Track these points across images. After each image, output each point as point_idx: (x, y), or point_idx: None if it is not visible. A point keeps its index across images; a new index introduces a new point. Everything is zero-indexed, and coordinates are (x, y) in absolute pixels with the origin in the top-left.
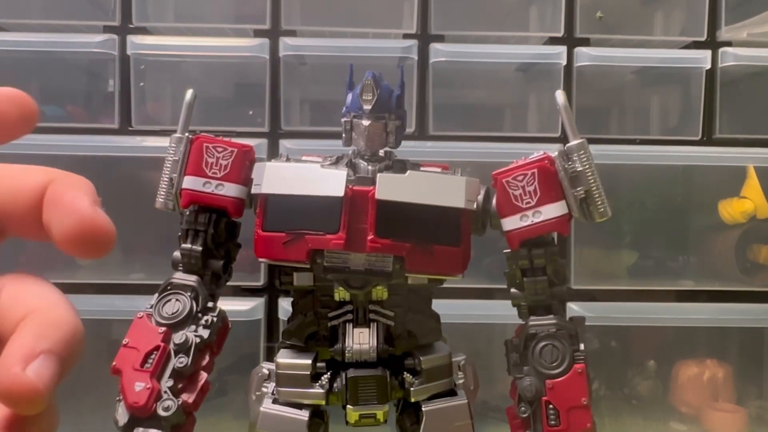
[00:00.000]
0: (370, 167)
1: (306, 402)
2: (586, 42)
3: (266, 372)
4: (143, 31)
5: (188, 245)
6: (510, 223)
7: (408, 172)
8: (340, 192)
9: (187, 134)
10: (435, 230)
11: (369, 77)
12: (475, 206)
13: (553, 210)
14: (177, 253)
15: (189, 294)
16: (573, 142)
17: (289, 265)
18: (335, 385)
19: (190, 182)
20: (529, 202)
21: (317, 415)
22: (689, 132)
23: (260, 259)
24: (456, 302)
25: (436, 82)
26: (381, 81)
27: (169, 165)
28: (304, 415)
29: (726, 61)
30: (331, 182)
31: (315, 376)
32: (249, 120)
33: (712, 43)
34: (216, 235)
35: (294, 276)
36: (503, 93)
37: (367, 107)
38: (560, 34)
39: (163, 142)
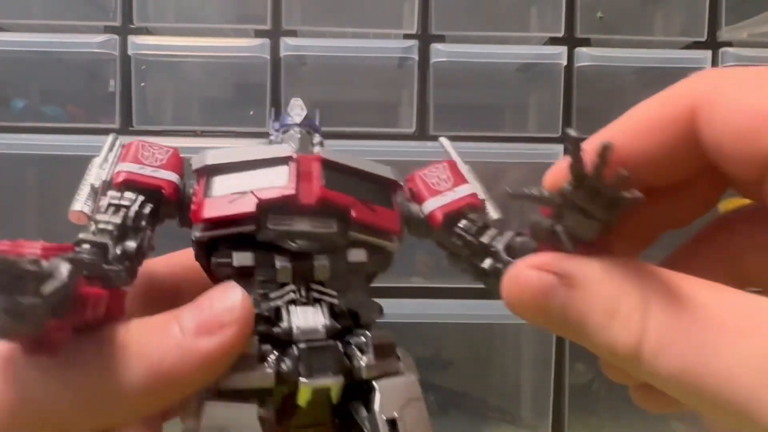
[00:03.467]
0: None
1: (255, 386)
2: (586, 42)
3: None
4: (144, 31)
5: (105, 217)
6: (430, 204)
7: (344, 153)
8: (288, 152)
9: (118, 142)
10: (374, 193)
11: (297, 101)
12: (401, 182)
13: (465, 189)
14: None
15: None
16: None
17: (232, 231)
18: (283, 365)
19: (124, 167)
20: (445, 185)
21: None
22: None
23: (202, 231)
24: (456, 302)
25: (437, 82)
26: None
27: (92, 172)
28: (252, 407)
29: (727, 62)
30: (278, 149)
31: (261, 358)
32: (249, 120)
33: (713, 44)
34: (138, 214)
35: (233, 256)
36: (503, 93)
37: (298, 119)
38: (560, 35)
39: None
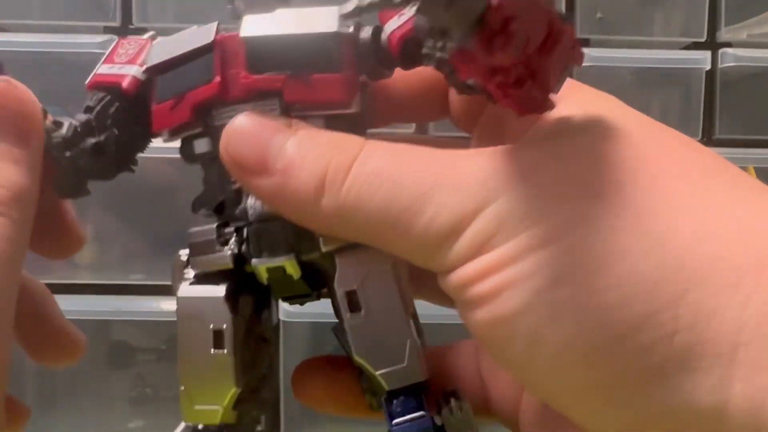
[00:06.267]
0: None
1: (215, 268)
2: (586, 42)
3: (183, 259)
4: (144, 31)
5: (78, 117)
6: (390, 26)
7: (277, 9)
8: (209, 39)
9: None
10: (311, 60)
11: None
12: (351, 30)
13: None
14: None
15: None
16: None
17: (186, 133)
18: (243, 248)
19: (99, 69)
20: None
21: (241, 293)
22: (689, 133)
23: (164, 139)
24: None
25: None
26: None
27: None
28: (220, 290)
29: (726, 62)
30: (203, 34)
31: (224, 243)
32: None
33: (712, 44)
34: (101, 113)
35: (194, 144)
36: None
37: None
38: None
39: (163, 142)
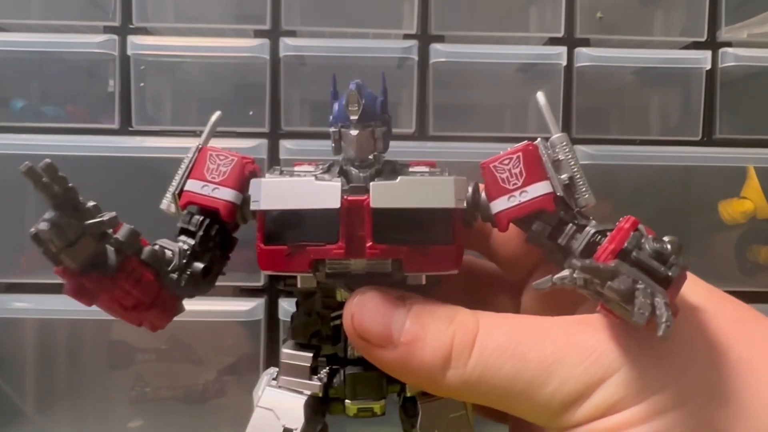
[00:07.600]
0: (361, 174)
1: (305, 392)
2: (586, 42)
3: (272, 374)
4: (143, 31)
5: (183, 238)
6: (498, 204)
7: (399, 178)
8: (336, 204)
9: (198, 144)
10: (429, 231)
11: (353, 88)
12: (465, 204)
13: (538, 188)
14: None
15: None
16: (555, 135)
17: (292, 275)
18: (335, 380)
19: (191, 185)
20: (515, 184)
21: (317, 410)
22: (689, 132)
23: (264, 272)
24: None
25: (436, 82)
26: (364, 89)
27: (179, 171)
28: (302, 398)
29: (726, 62)
30: (327, 194)
31: (315, 370)
32: (249, 120)
33: (712, 44)
34: (204, 238)
35: (298, 278)
36: (503, 93)
37: (354, 117)
38: (560, 35)
39: (163, 142)
